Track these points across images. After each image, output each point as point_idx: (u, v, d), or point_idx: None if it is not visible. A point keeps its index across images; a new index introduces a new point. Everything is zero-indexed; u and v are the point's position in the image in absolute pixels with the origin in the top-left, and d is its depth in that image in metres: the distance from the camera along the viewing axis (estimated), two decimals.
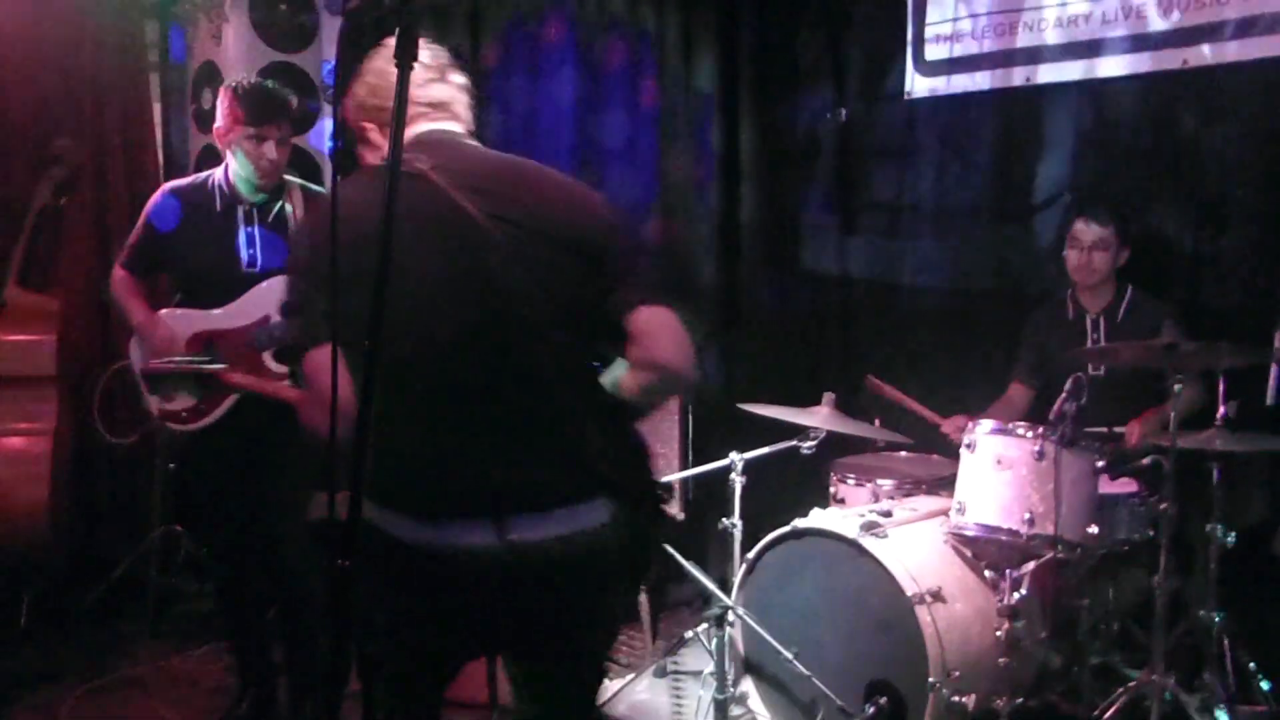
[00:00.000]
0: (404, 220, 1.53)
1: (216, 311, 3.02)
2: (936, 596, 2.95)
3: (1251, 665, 3.11)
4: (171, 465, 4.14)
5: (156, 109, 4.83)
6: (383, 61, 1.90)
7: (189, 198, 3.09)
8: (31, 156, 4.24)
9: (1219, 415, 2.99)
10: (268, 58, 4.36)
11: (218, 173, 3.10)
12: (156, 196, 3.15)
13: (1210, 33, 3.65)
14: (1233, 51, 3.61)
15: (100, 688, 3.63)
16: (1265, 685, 3.09)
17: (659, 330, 1.89)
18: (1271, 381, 3.16)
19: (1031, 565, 3.08)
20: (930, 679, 2.85)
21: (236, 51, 4.38)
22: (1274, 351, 3.17)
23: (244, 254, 3.04)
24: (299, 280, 1.89)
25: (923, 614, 2.89)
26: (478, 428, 1.84)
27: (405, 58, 1.48)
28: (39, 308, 4.08)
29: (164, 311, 3.10)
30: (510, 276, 1.81)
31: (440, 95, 1.96)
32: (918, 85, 4.47)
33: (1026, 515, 3.01)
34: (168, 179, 4.00)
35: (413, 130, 1.90)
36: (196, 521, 3.78)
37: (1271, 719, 3.05)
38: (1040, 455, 3.03)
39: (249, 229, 3.05)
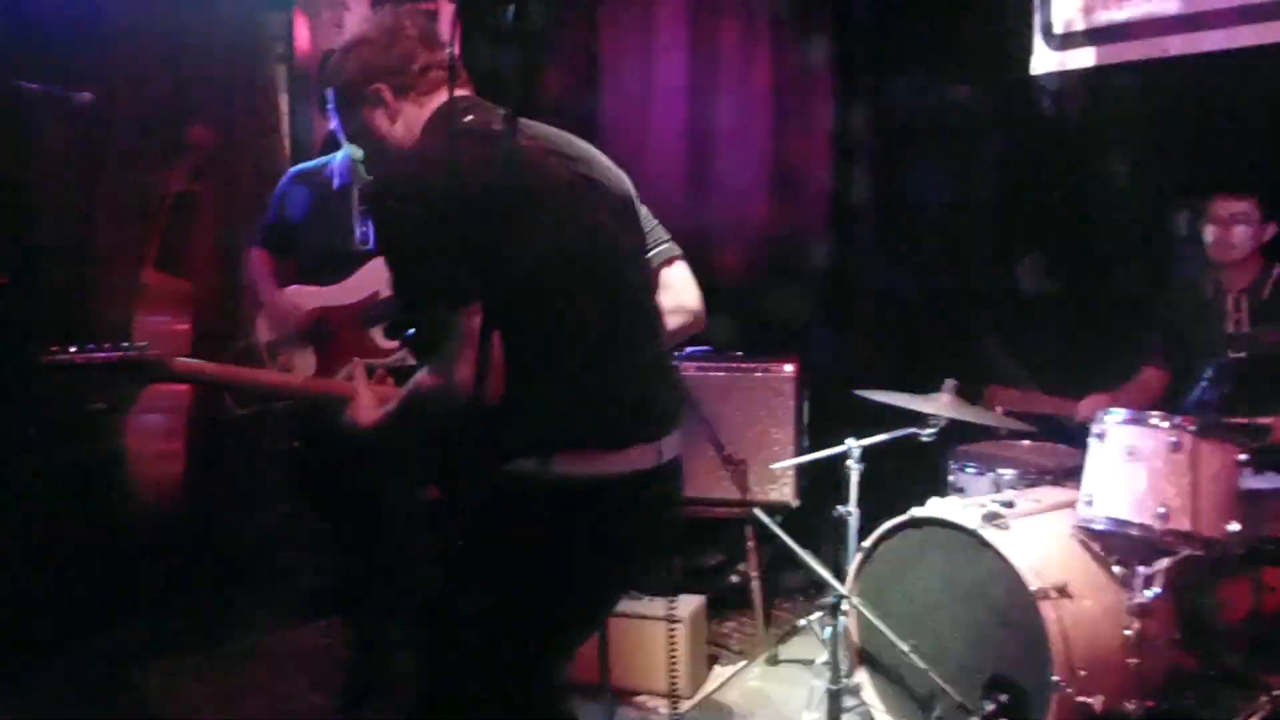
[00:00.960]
0: (515, 180, 1.56)
1: (329, 289, 3.09)
2: (1062, 592, 2.82)
3: None
4: (295, 443, 4.26)
5: (283, 99, 4.98)
6: (393, 20, 2.00)
7: (310, 179, 3.23)
8: (167, 145, 4.42)
9: None
10: None
11: (339, 154, 3.19)
12: (283, 179, 3.29)
13: None
14: None
15: (224, 656, 3.77)
16: None
17: (685, 280, 2.16)
18: None
19: (1165, 562, 2.91)
20: (1054, 677, 2.73)
21: None
22: None
23: (357, 232, 3.11)
24: (426, 238, 1.77)
25: (1047, 609, 2.77)
26: (633, 357, 1.94)
27: (528, 32, 1.48)
28: (174, 291, 4.24)
29: (288, 289, 3.20)
30: (608, 227, 1.96)
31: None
32: (1045, 60, 4.30)
33: (1160, 509, 2.85)
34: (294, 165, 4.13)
35: (442, 95, 1.96)
36: (315, 497, 3.87)
37: None
38: (1176, 446, 2.87)
39: (362, 207, 3.12)
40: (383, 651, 3.41)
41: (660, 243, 2.18)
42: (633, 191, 2.11)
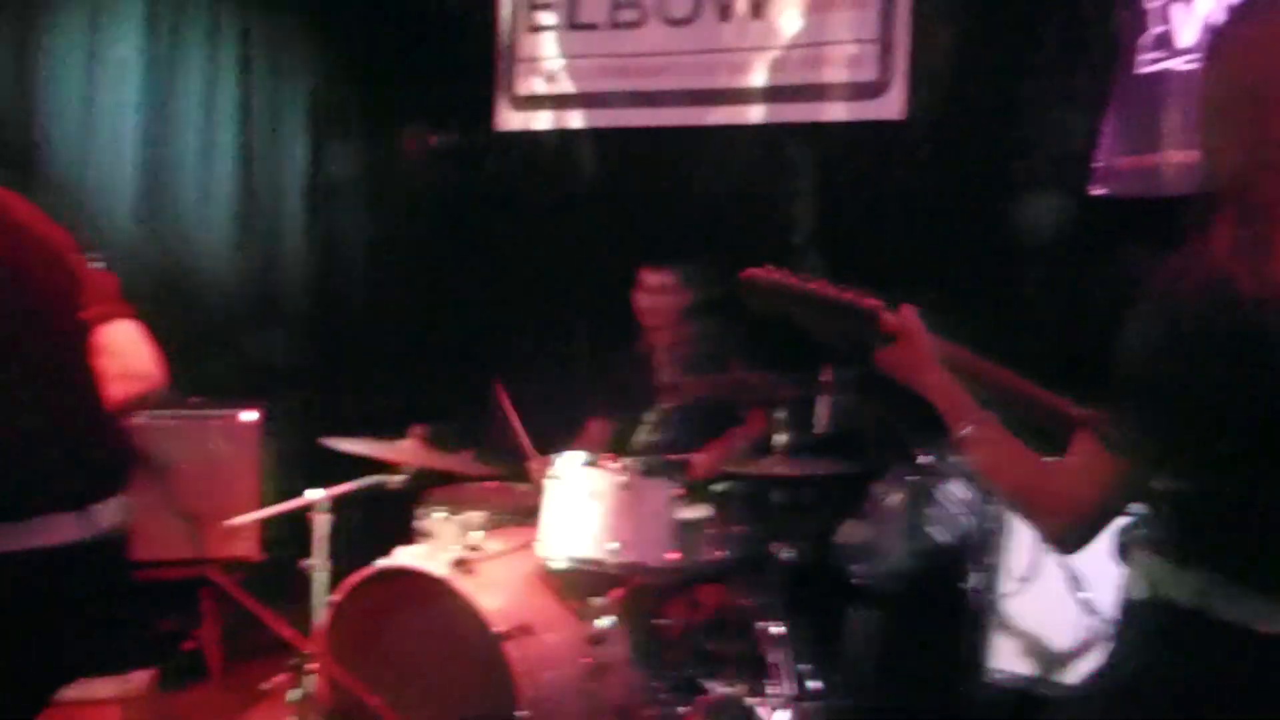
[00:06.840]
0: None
1: None
2: (525, 630, 2.94)
3: (807, 667, 3.35)
4: None
5: None
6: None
7: None
8: None
9: (781, 443, 3.26)
10: None
11: None
12: None
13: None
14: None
15: None
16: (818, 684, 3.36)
17: (133, 343, 1.98)
18: (820, 412, 3.45)
19: (618, 592, 3.16)
20: (521, 713, 2.83)
21: None
22: (820, 385, 3.46)
23: None
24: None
25: (511, 650, 2.87)
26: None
27: None
28: None
29: None
30: None
31: None
32: (509, 119, 4.53)
33: (613, 544, 3.08)
34: None
35: None
36: None
37: (824, 712, 3.30)
38: (624, 486, 3.13)
39: None
40: None
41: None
42: None
